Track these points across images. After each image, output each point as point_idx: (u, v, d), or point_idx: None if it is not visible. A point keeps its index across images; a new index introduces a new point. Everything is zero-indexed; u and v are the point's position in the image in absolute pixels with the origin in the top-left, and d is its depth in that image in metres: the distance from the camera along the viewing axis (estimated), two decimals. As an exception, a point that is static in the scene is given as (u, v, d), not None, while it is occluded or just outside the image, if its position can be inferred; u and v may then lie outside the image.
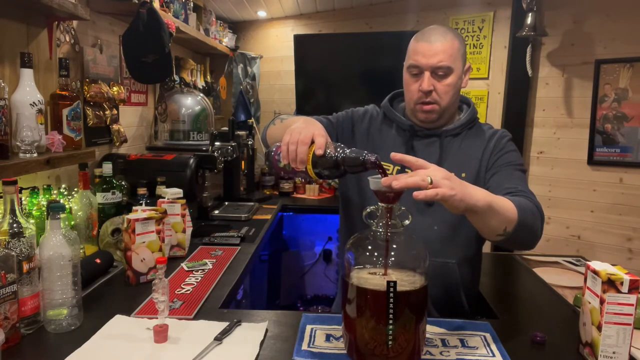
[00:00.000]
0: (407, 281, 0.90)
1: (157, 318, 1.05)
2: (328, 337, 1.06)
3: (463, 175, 1.31)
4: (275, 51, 3.73)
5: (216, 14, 3.33)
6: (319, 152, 0.97)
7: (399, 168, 1.33)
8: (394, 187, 0.87)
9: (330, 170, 0.97)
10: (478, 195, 0.97)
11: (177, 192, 1.71)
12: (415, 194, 0.88)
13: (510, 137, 1.39)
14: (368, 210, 0.96)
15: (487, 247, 2.00)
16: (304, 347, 1.01)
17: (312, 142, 0.99)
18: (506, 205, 1.05)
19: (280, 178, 3.19)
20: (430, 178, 0.89)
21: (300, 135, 0.99)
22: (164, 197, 1.68)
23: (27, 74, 1.43)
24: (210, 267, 1.56)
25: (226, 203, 2.61)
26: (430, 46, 1.28)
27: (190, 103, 2.46)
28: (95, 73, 1.99)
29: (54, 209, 1.07)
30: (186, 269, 1.53)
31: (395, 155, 0.95)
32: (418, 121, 1.37)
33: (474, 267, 1.41)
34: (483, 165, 1.34)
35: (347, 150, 0.96)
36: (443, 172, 0.93)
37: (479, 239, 1.37)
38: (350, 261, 0.94)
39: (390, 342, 0.88)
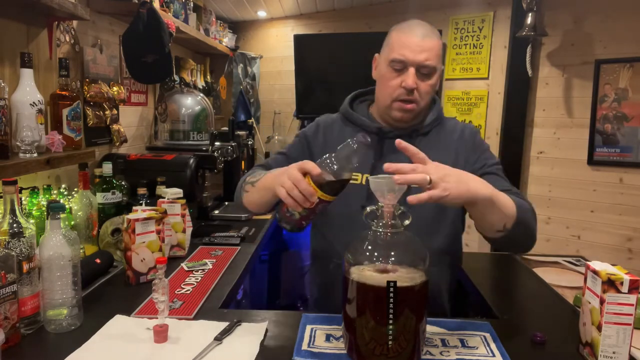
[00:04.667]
0: (408, 278, 0.90)
1: (157, 318, 1.05)
2: (328, 337, 1.06)
3: None
4: (275, 51, 3.73)
5: (216, 14, 3.33)
6: (316, 172, 0.97)
7: (368, 175, 1.27)
8: (397, 182, 0.88)
9: (337, 179, 0.98)
10: (477, 188, 0.98)
11: (177, 192, 1.71)
12: (409, 198, 0.89)
13: (479, 131, 1.36)
14: (368, 210, 0.96)
15: (487, 247, 2.00)
16: (304, 347, 1.01)
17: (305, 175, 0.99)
18: (506, 201, 1.05)
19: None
20: (430, 177, 0.90)
21: (291, 178, 0.99)
22: (164, 197, 1.68)
23: (27, 74, 1.43)
24: (210, 267, 1.56)
25: (226, 203, 2.61)
26: (420, 41, 1.21)
27: (190, 103, 2.46)
28: (95, 73, 1.99)
29: (54, 209, 1.07)
30: (186, 269, 1.53)
31: (400, 143, 0.97)
32: (392, 120, 1.30)
33: (453, 266, 1.38)
34: (461, 160, 1.28)
35: (334, 153, 0.98)
36: (441, 170, 0.94)
37: (456, 240, 1.35)
38: (350, 260, 0.94)
39: (390, 342, 0.88)
